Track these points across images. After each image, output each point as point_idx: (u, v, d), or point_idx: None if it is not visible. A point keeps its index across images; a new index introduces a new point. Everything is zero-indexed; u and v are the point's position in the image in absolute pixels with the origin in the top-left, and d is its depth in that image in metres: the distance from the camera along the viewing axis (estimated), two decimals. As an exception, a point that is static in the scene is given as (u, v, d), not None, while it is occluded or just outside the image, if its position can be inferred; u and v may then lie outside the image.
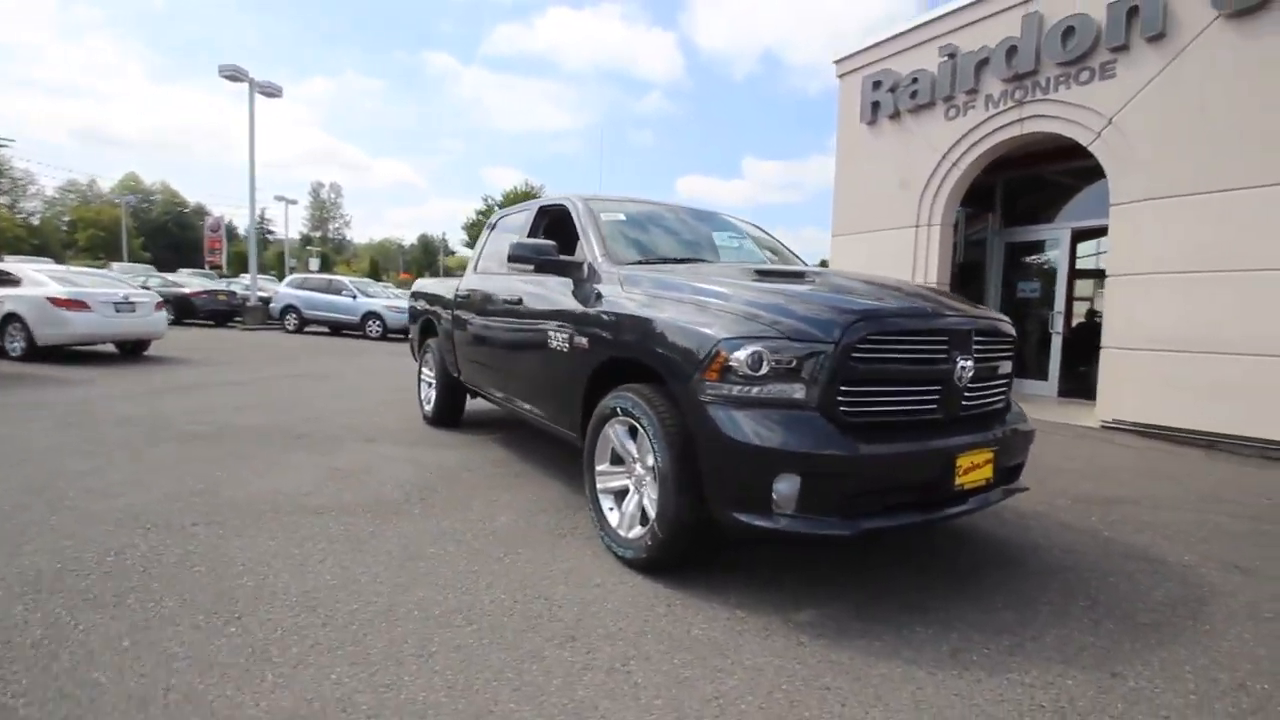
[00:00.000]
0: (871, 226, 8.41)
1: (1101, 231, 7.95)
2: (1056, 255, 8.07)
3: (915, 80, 7.61)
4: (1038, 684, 1.99)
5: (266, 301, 19.16)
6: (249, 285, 20.23)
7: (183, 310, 17.97)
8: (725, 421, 2.24)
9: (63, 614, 2.19)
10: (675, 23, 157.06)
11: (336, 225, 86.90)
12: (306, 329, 17.90)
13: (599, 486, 2.92)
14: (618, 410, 2.73)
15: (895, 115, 7.95)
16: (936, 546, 3.11)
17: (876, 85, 8.10)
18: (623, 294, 2.89)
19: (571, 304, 3.23)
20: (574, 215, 3.60)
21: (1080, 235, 8.06)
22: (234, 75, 17.74)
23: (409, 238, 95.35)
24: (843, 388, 2.22)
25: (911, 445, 2.30)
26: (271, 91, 18.72)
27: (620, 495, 2.88)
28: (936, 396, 2.43)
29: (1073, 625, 2.38)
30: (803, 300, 2.37)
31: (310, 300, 17.73)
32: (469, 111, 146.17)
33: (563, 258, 3.28)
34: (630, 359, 2.75)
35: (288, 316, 17.83)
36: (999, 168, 7.88)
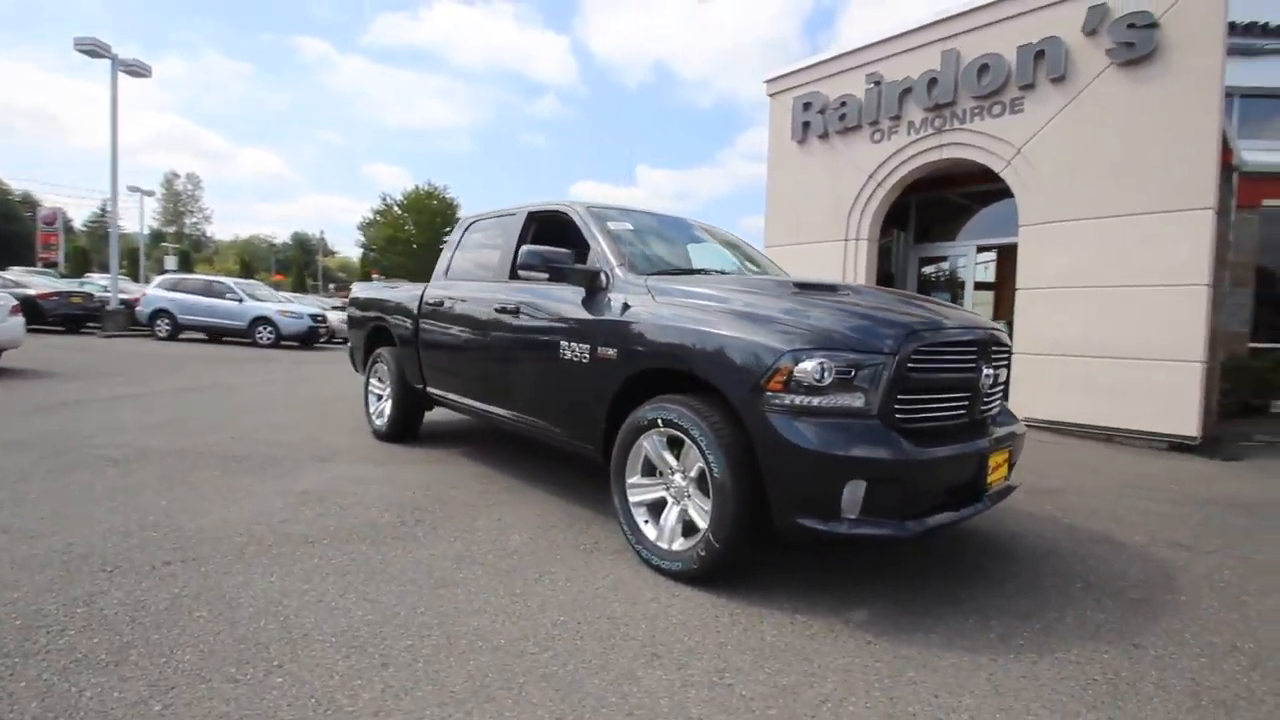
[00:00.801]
0: (804, 239, 8.88)
1: (1000, 248, 8.89)
2: (964, 268, 8.93)
3: (844, 104, 8.15)
4: (1082, 660, 2.20)
5: (130, 305, 17.02)
6: (107, 287, 17.87)
7: (29, 315, 15.53)
8: (793, 431, 2.29)
9: (55, 680, 1.84)
10: (569, 26, 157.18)
11: (195, 220, 78.12)
12: (181, 336, 16.09)
13: (631, 500, 2.88)
14: (658, 422, 2.70)
15: (825, 136, 8.46)
16: (928, 543, 3.33)
17: (807, 106, 8.58)
18: (657, 305, 2.87)
19: (587, 314, 3.15)
20: (579, 223, 3.53)
21: (982, 251, 8.97)
22: (93, 50, 15.62)
23: (281, 235, 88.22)
24: (899, 396, 2.35)
25: (956, 448, 2.46)
26: (138, 70, 16.69)
27: (654, 508, 2.85)
28: (967, 402, 2.62)
29: (1081, 605, 2.64)
30: (857, 314, 2.47)
31: (187, 304, 15.94)
32: (348, 103, 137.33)
33: (579, 266, 3.20)
34: (671, 370, 2.73)
35: (159, 322, 15.91)
36: (912, 189, 8.59)
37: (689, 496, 2.69)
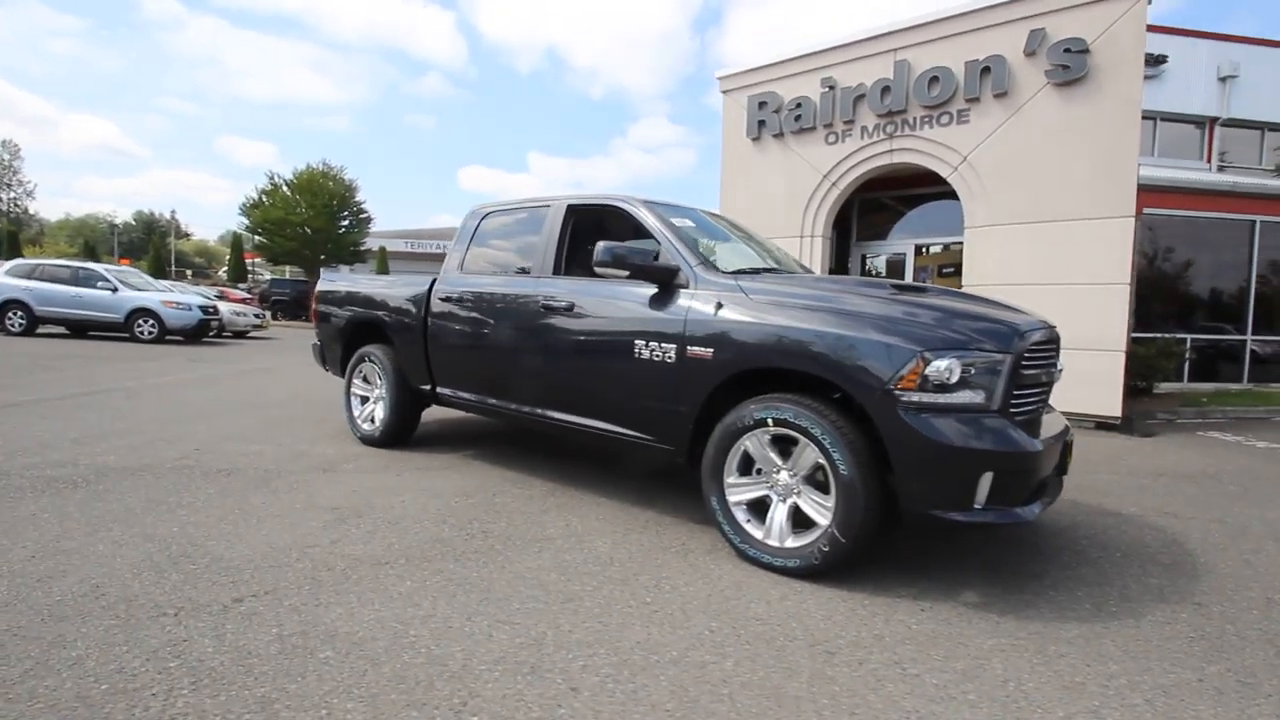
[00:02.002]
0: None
1: (934, 247, 9.64)
2: (904, 264, 9.60)
3: (799, 105, 8.46)
4: (1169, 620, 2.47)
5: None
6: (-69, 273, 15.01)
7: None
8: (931, 428, 2.38)
9: (214, 748, 1.58)
10: (454, 3, 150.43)
11: (14, 195, 67.03)
12: (39, 330, 13.90)
13: (731, 499, 2.87)
14: (768, 421, 2.71)
15: (780, 135, 8.75)
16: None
17: (762, 105, 8.83)
18: (757, 305, 2.86)
19: (665, 313, 3.09)
20: (641, 218, 3.43)
21: (919, 250, 9.69)
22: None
23: (122, 214, 77.87)
24: (1015, 392, 2.52)
25: (1054, 437, 2.68)
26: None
27: (753, 506, 2.86)
28: (1043, 395, 2.85)
29: (1133, 572, 2.96)
30: (969, 316, 2.62)
31: (45, 294, 13.75)
32: (200, 69, 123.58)
33: (661, 265, 3.12)
34: (782, 369, 2.74)
35: (10, 315, 13.64)
36: (860, 188, 9.10)
37: (798, 494, 2.73)
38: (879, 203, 9.92)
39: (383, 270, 31.92)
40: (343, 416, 5.30)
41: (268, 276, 40.57)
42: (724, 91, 9.34)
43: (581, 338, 3.46)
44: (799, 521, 2.72)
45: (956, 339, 2.46)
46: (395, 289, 4.65)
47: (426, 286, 4.37)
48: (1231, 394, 9.63)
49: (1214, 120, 14.15)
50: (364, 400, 4.91)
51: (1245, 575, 2.99)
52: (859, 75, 7.94)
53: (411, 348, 4.42)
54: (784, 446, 2.76)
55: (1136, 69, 6.25)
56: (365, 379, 4.88)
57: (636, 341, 3.16)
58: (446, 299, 4.19)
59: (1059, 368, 2.94)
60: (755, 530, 2.80)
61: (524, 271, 3.94)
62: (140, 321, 13.91)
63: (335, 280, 5.33)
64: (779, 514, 2.77)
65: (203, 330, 14.83)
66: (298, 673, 1.89)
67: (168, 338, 14.10)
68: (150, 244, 49.20)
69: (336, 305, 5.12)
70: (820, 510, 2.64)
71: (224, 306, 16.94)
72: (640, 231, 3.54)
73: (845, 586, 2.63)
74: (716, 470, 2.89)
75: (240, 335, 17.72)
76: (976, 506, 2.41)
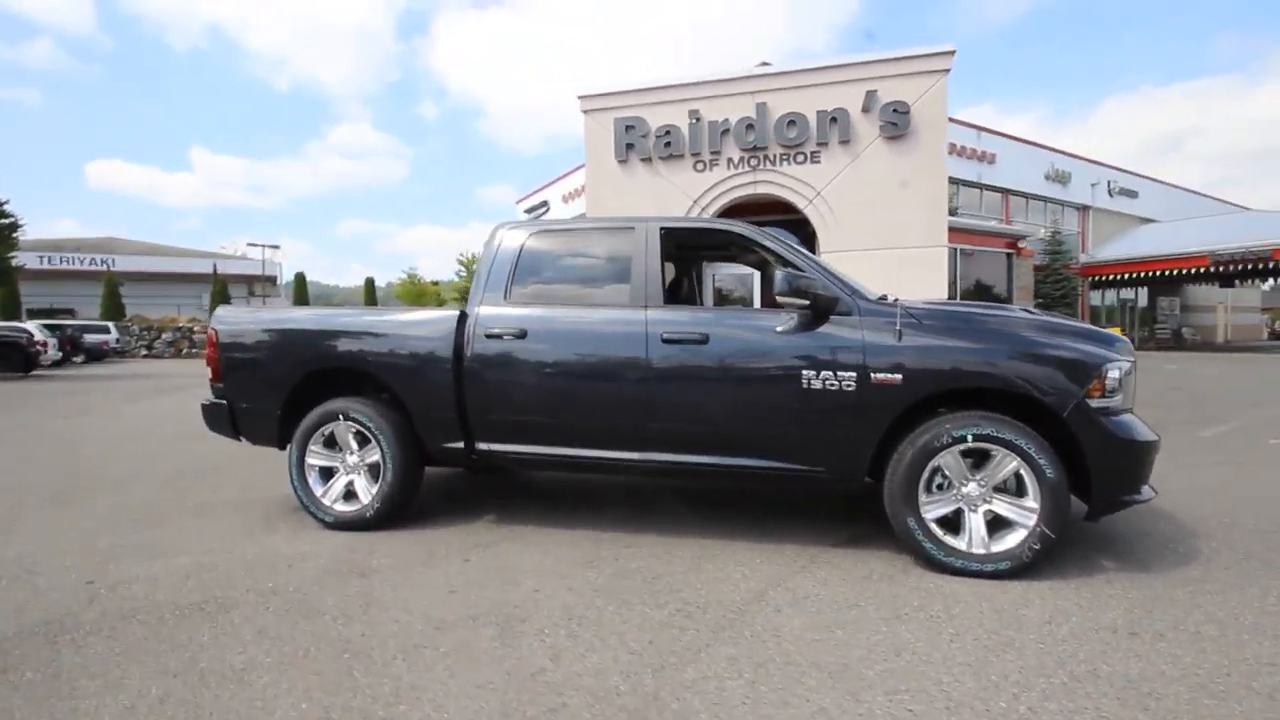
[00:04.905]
0: (628, 255, 9.26)
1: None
2: (750, 283, 10.64)
3: (668, 133, 8.86)
4: (1256, 580, 3.17)
5: None
6: None
7: None
8: (1120, 427, 2.83)
9: None
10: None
11: None
12: None
13: (927, 516, 2.98)
14: (967, 437, 2.90)
15: (649, 160, 9.03)
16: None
17: (629, 129, 9.00)
18: (933, 329, 3.00)
19: (841, 342, 3.03)
20: (773, 246, 3.34)
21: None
22: None
23: None
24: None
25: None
26: None
27: (945, 520, 3.01)
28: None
29: (1205, 542, 3.36)
30: (1096, 331, 3.14)
31: None
32: None
33: (830, 294, 3.08)
34: (978, 389, 2.95)
35: None
36: (726, 213, 9.85)
37: (988, 502, 2.97)
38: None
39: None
40: (255, 487, 4.00)
41: None
42: (585, 111, 9.29)
43: (723, 371, 3.21)
44: (993, 525, 2.96)
45: (1115, 352, 2.97)
46: (400, 324, 3.68)
47: (454, 321, 3.56)
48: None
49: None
50: (327, 473, 3.76)
51: (1258, 548, 4.09)
52: (724, 111, 8.66)
53: (434, 398, 3.54)
54: (974, 460, 2.98)
55: (942, 126, 8.04)
56: (328, 444, 3.75)
57: (805, 372, 3.07)
58: (496, 335, 3.48)
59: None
60: (957, 542, 2.96)
61: (605, 300, 3.49)
62: None
63: (259, 317, 3.98)
64: (975, 523, 2.96)
65: None
66: None
67: None
68: None
69: (270, 350, 3.82)
70: (1020, 513, 2.91)
71: None
72: (750, 258, 3.44)
73: (1043, 582, 2.89)
74: (909, 491, 2.97)
75: None
76: (1145, 489, 2.94)
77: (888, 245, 8.46)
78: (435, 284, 49.12)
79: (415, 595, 2.75)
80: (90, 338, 22.16)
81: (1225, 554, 3.26)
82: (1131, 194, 28.17)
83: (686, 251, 3.67)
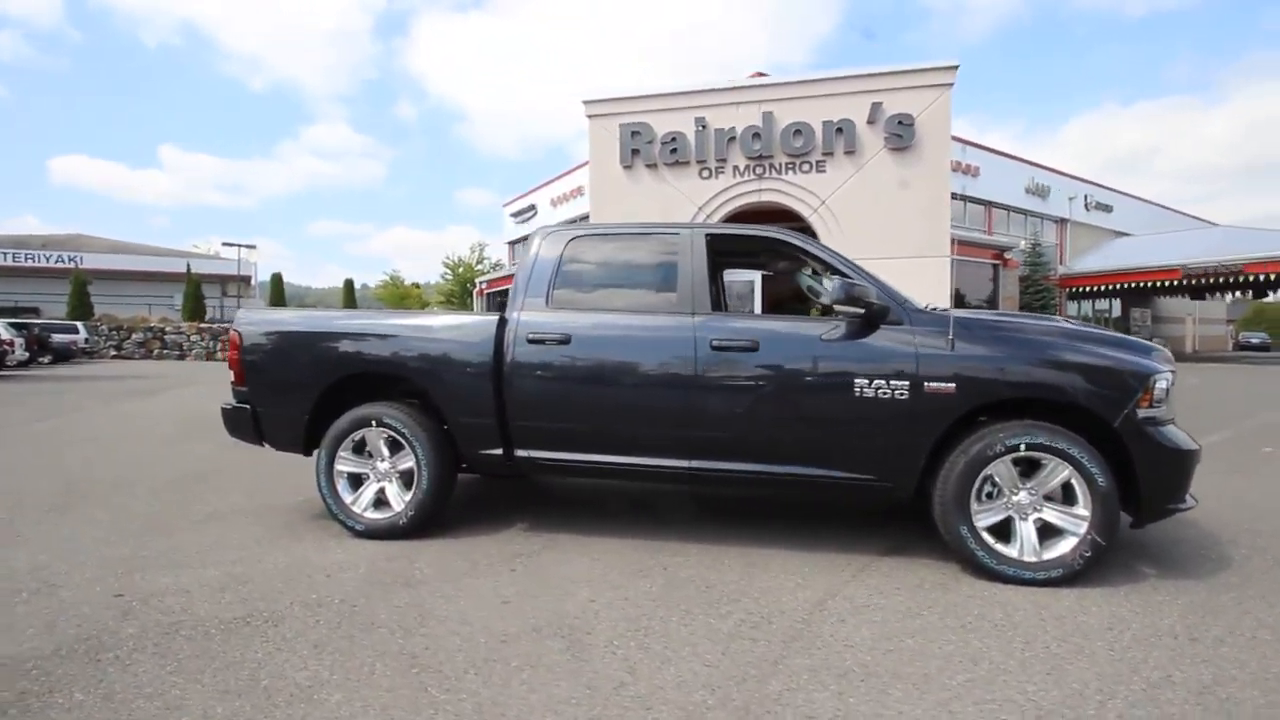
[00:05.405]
0: (632, 261, 9.25)
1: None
2: (752, 289, 10.67)
3: (674, 140, 8.86)
4: None
5: None
6: None
7: None
8: (1167, 437, 2.87)
9: None
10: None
11: None
12: None
13: (979, 525, 2.98)
14: (1020, 446, 2.92)
15: (654, 166, 9.02)
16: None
17: (635, 135, 8.98)
18: (984, 339, 3.02)
19: (894, 350, 3.03)
20: (817, 256, 3.35)
21: (765, 278, 10.87)
22: None
23: None
24: (1173, 403, 3.17)
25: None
26: None
27: (996, 529, 3.02)
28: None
29: (1239, 547, 3.61)
30: (1136, 341, 3.20)
31: None
32: None
33: (882, 303, 3.09)
34: (1030, 398, 2.97)
35: None
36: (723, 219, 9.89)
37: (1038, 510, 2.99)
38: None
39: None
40: (260, 492, 3.88)
41: None
42: (590, 116, 9.23)
43: (775, 379, 3.19)
44: (1044, 533, 2.98)
45: (1158, 362, 3.01)
46: (441, 329, 3.60)
47: (494, 326, 3.50)
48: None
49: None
50: (355, 480, 3.66)
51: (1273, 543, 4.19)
52: (730, 119, 8.69)
53: (473, 403, 3.47)
54: (1023, 468, 3.00)
55: (946, 139, 8.18)
56: (358, 451, 3.65)
57: (857, 380, 3.07)
58: (538, 340, 3.42)
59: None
60: (1009, 550, 2.97)
61: (651, 307, 3.46)
62: None
63: (285, 320, 3.88)
64: (1026, 531, 2.98)
65: None
66: None
67: None
68: None
69: (300, 353, 3.72)
70: (1070, 521, 2.94)
71: None
72: (795, 267, 3.44)
73: (1099, 584, 2.93)
74: (962, 499, 2.98)
75: None
76: (1188, 497, 2.99)
77: (891, 255, 8.56)
78: (417, 286, 48.56)
79: (470, 606, 2.68)
80: (58, 337, 21.39)
81: (1257, 560, 3.32)
82: (1107, 208, 29.05)
83: (721, 258, 3.65)
